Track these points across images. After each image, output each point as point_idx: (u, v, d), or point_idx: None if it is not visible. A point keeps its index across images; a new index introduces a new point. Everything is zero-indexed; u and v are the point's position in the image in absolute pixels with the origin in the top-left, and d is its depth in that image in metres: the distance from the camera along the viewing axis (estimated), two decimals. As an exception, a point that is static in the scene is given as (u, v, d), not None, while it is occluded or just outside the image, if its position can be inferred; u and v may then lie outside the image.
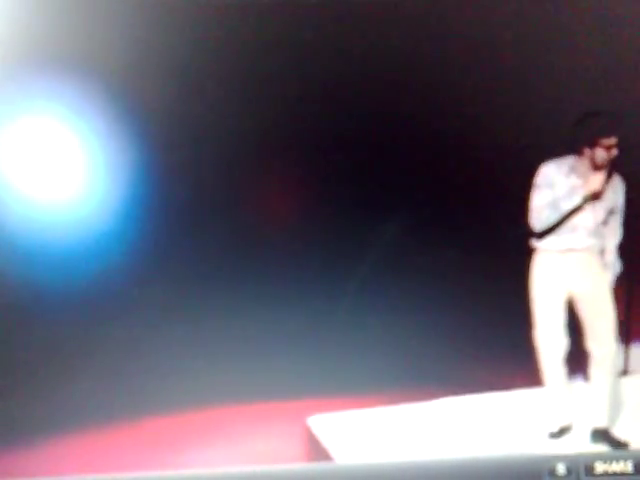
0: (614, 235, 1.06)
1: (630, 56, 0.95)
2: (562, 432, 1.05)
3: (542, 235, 1.05)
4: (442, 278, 1.00)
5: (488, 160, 0.97)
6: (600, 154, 1.02)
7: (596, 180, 1.03)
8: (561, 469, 0.96)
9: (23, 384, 0.96)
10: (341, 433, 1.06)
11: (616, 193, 1.04)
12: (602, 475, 0.96)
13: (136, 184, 0.93)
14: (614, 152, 1.02)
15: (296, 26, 0.88)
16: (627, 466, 0.95)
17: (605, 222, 1.05)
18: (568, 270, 1.06)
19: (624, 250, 1.05)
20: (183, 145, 0.92)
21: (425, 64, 0.90)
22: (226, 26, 0.88)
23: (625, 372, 1.06)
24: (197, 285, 0.97)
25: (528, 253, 1.05)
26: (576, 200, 1.04)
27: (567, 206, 1.04)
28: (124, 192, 0.93)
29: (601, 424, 1.05)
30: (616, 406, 1.06)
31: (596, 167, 1.03)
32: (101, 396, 0.98)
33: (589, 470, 0.96)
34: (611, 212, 1.05)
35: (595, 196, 1.04)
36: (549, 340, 1.06)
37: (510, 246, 1.02)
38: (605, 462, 0.96)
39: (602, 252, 1.06)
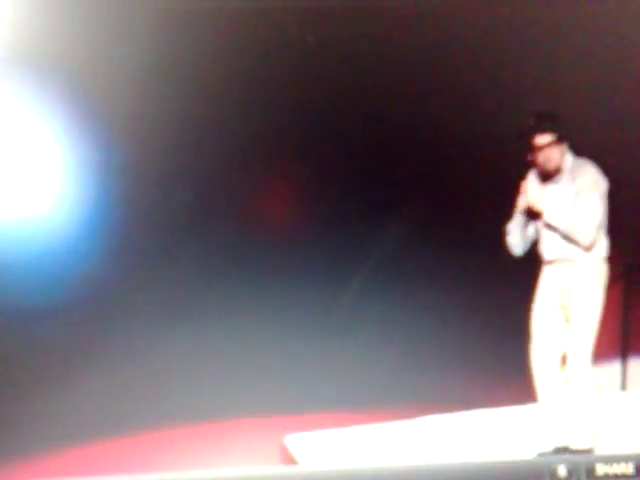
0: (585, 210, 1.03)
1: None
2: (557, 453, 1.04)
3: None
4: (434, 292, 1.02)
5: (493, 165, 1.01)
6: (540, 158, 1.03)
7: (527, 193, 1.04)
8: (562, 471, 0.95)
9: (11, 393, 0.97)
10: (319, 453, 1.03)
11: (578, 179, 1.03)
12: (603, 477, 0.95)
13: (136, 187, 0.95)
14: (553, 152, 1.02)
15: (298, 29, 0.94)
16: (628, 468, 0.95)
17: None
18: (555, 281, 1.07)
19: (619, 261, 1.05)
20: (185, 148, 0.95)
21: (427, 66, 0.96)
22: (228, 29, 0.93)
23: (624, 387, 1.07)
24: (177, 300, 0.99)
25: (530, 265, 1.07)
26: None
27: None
28: (124, 195, 0.95)
29: (585, 446, 1.05)
30: (615, 423, 1.06)
31: (541, 172, 1.04)
32: (82, 412, 0.98)
33: (590, 472, 0.95)
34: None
35: (529, 210, 1.04)
36: (542, 355, 1.07)
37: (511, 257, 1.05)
38: (606, 464, 0.95)
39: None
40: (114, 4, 0.91)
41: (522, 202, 1.04)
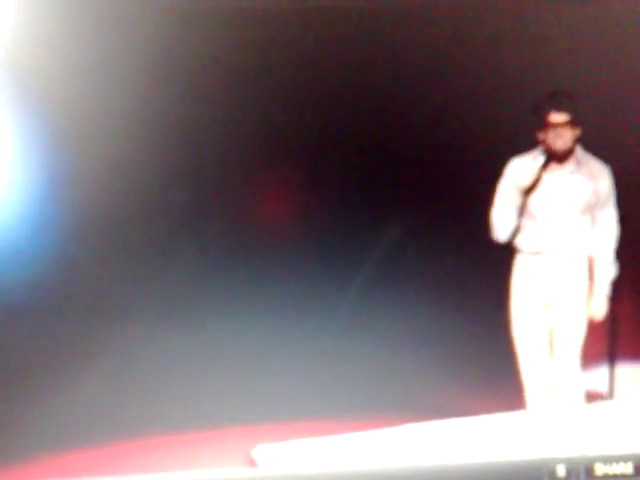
0: (606, 232, 1.01)
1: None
2: None
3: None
4: (417, 299, 0.99)
5: (491, 166, 0.99)
6: (550, 136, 0.98)
7: (525, 171, 0.99)
8: (561, 471, 0.92)
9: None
10: (290, 466, 0.96)
11: (596, 182, 1.01)
12: (602, 477, 0.92)
13: (135, 187, 0.93)
14: (566, 133, 0.98)
15: (297, 30, 0.93)
16: (627, 468, 0.92)
17: (590, 218, 1.01)
18: (539, 275, 1.02)
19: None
20: (184, 148, 0.93)
21: (426, 68, 0.96)
22: (227, 29, 0.92)
23: (611, 395, 1.05)
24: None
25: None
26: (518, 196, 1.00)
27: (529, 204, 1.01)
28: (122, 194, 0.93)
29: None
30: (603, 431, 1.04)
31: (549, 152, 0.99)
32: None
33: (589, 472, 0.92)
34: (592, 205, 1.01)
35: (526, 190, 1.00)
36: (527, 354, 1.02)
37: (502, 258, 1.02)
38: (605, 464, 0.93)
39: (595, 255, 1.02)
40: (111, 4, 0.91)
41: (522, 181, 1.00)
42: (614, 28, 0.95)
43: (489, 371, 1.02)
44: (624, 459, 0.93)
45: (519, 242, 1.03)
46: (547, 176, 1.01)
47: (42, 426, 0.92)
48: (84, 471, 0.94)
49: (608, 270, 1.02)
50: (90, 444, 0.94)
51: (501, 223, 1.00)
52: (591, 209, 1.02)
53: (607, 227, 1.02)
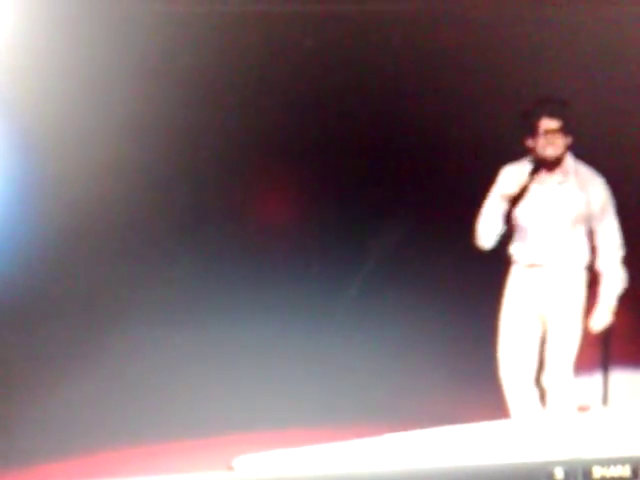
0: (608, 244, 0.99)
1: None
2: None
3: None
4: (404, 304, 0.98)
5: (491, 167, 0.98)
6: (541, 143, 0.96)
7: (513, 179, 0.97)
8: (559, 474, 0.91)
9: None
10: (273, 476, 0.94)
11: (588, 192, 0.99)
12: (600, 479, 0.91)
13: (134, 188, 0.93)
14: (557, 140, 0.96)
15: (297, 33, 0.94)
16: (625, 470, 0.91)
17: (586, 230, 1.00)
18: (533, 288, 1.01)
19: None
20: (184, 150, 0.93)
21: (426, 71, 0.96)
22: (227, 33, 0.92)
23: (605, 403, 1.04)
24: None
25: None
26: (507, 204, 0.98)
27: (517, 213, 0.99)
28: (122, 196, 0.93)
29: None
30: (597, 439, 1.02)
31: (538, 160, 0.97)
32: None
33: (587, 474, 0.91)
34: (586, 217, 1.00)
35: (513, 199, 0.98)
36: (514, 365, 1.00)
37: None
38: (603, 466, 0.92)
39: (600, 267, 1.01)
40: (110, 6, 0.92)
41: (509, 189, 0.97)
42: (607, 35, 0.96)
43: (489, 377, 1.01)
44: (622, 462, 0.92)
45: (513, 253, 1.01)
46: (535, 186, 1.00)
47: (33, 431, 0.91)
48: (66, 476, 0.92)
49: (615, 283, 1.00)
50: (69, 452, 0.92)
51: (484, 230, 0.97)
52: (585, 221, 1.00)
53: (609, 239, 1.00)
